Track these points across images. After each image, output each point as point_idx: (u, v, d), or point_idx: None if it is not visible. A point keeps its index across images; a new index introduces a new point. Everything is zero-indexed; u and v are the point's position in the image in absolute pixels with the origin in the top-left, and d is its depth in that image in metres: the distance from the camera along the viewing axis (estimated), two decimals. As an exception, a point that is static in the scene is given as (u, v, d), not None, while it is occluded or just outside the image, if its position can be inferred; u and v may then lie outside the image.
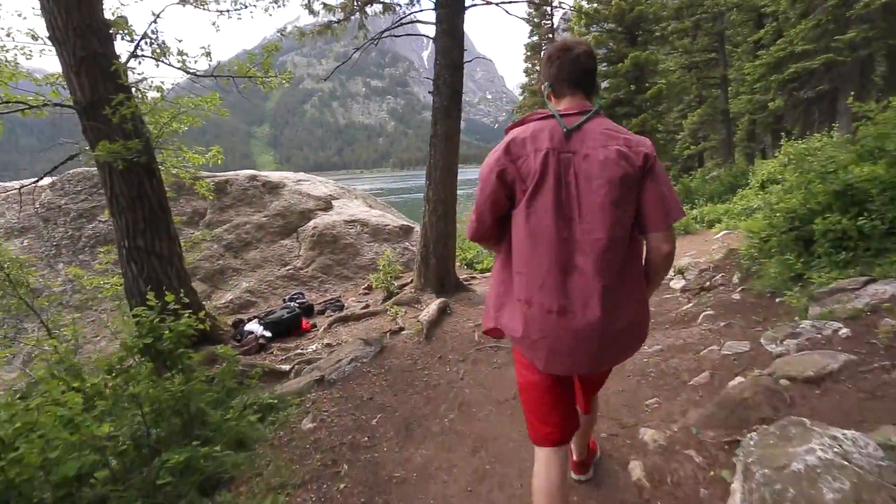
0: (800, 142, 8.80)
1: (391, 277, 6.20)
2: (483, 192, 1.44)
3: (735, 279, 4.69)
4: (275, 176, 8.44)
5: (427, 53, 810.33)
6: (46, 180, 7.00)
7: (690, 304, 4.57)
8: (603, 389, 2.21)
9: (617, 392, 2.98)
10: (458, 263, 8.65)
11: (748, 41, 17.94)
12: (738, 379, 2.60)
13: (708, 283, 5.00)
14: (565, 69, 1.44)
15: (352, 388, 3.67)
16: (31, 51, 4.53)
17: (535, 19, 20.59)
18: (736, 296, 4.21)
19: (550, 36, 20.89)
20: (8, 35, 4.51)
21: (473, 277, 7.41)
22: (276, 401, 3.45)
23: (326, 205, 8.17)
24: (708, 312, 4.03)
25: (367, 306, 5.76)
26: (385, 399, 3.48)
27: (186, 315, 3.09)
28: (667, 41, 17.39)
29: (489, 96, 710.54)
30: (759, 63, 14.93)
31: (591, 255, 1.32)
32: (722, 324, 3.64)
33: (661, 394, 2.85)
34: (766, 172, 9.86)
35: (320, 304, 6.17)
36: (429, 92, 5.77)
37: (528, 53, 21.38)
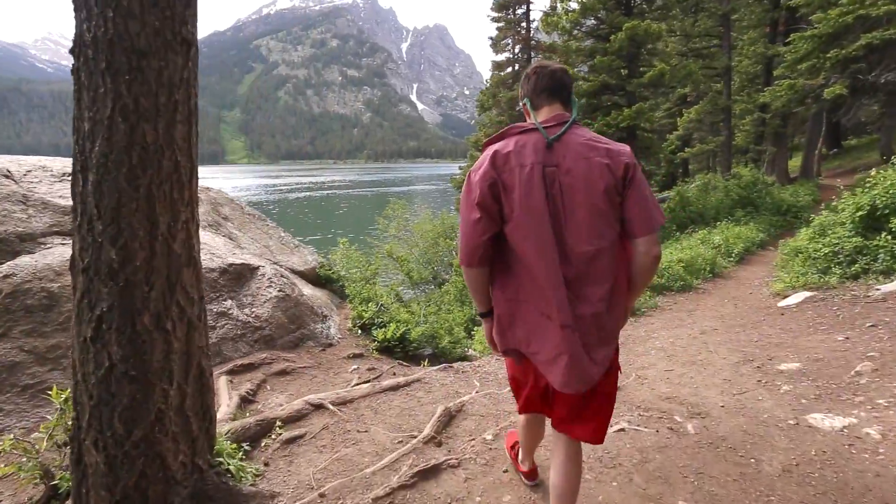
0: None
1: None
2: (475, 206, 1.38)
3: None
4: None
5: (406, 45, 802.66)
6: None
7: None
8: None
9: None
10: (349, 325, 5.07)
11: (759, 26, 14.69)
12: None
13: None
14: (543, 81, 1.49)
15: None
16: None
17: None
18: None
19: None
20: None
21: (374, 363, 3.90)
22: None
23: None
24: None
25: None
26: None
27: None
28: (666, 16, 14.11)
29: (467, 92, 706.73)
30: (809, 34, 11.16)
31: (582, 266, 1.35)
32: None
33: None
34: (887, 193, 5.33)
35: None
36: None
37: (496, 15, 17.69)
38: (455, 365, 3.90)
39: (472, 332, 8.88)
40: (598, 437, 1.52)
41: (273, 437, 2.67)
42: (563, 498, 1.58)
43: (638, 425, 2.50)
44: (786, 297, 4.68)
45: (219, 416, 2.81)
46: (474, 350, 6.03)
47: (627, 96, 13.52)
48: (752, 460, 2.15)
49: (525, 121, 1.50)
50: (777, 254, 7.27)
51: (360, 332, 5.01)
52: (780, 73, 12.99)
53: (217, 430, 2.50)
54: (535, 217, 1.34)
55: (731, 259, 7.17)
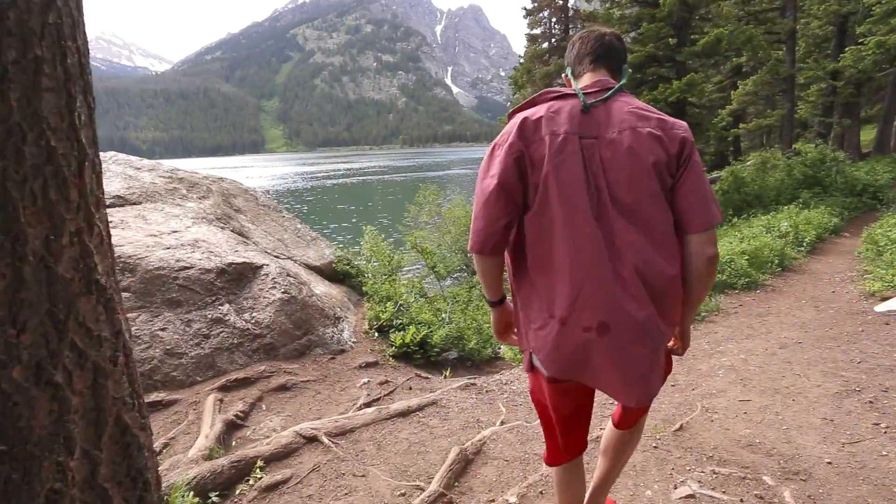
0: None
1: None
2: (495, 184, 1.13)
3: None
4: None
5: (440, 28, 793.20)
6: None
7: None
8: None
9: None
10: (366, 327, 4.63)
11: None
12: None
13: None
14: (587, 46, 1.28)
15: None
16: None
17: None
18: None
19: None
20: None
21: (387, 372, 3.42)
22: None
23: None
24: None
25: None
26: None
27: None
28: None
29: (503, 73, 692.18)
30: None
31: (629, 258, 1.10)
32: None
33: None
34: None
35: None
36: None
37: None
38: (479, 382, 3.34)
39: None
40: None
41: (251, 482, 2.21)
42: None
43: (713, 489, 1.87)
44: (885, 299, 3.82)
45: (191, 452, 2.37)
46: (504, 354, 5.46)
47: (676, 67, 12.33)
48: (892, 561, 1.50)
49: None
50: (860, 242, 6.26)
51: (376, 334, 4.54)
52: (865, 31, 11.36)
53: (180, 478, 2.05)
54: (565, 197, 1.11)
55: (802, 249, 6.22)
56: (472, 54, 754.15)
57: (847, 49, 12.10)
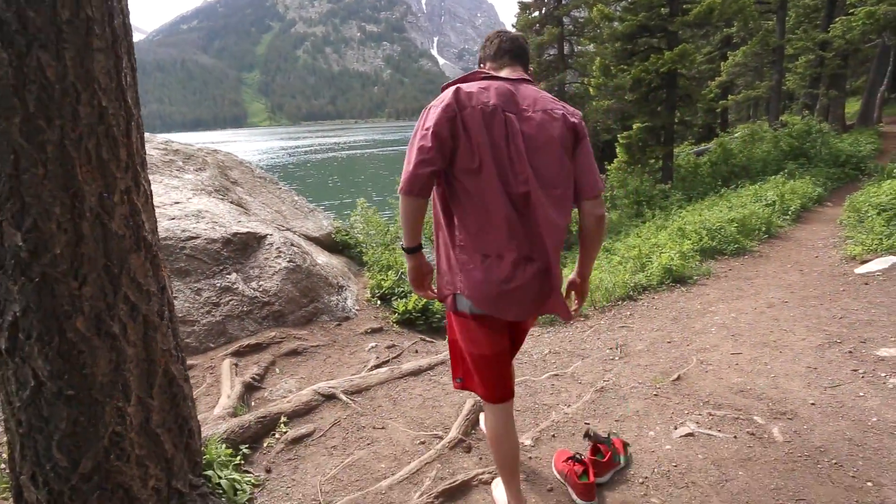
0: None
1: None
2: (431, 135, 1.30)
3: None
4: None
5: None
6: None
7: None
8: None
9: None
10: (367, 295, 4.73)
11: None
12: None
13: None
14: (506, 44, 1.53)
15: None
16: None
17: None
18: None
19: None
20: None
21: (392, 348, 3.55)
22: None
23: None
24: None
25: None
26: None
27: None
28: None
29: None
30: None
31: (540, 209, 1.36)
32: None
33: None
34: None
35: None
36: None
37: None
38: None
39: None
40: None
41: (277, 436, 2.33)
42: None
43: (709, 428, 2.04)
44: (865, 262, 4.03)
45: (216, 410, 2.48)
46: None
47: (668, 38, 12.27)
48: (870, 483, 1.68)
49: None
50: (842, 210, 6.49)
51: (379, 302, 4.65)
52: (856, 0, 11.38)
53: (212, 432, 2.17)
54: (492, 159, 1.33)
55: (788, 217, 6.43)
56: (459, 24, 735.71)
57: (837, 19, 12.16)
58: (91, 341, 1.31)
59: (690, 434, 1.99)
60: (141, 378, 1.47)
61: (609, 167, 15.88)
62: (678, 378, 2.50)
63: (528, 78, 1.48)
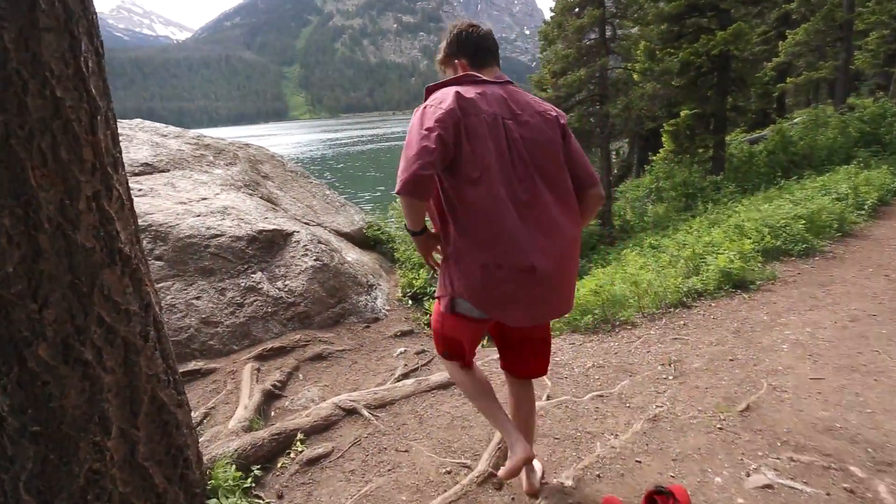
0: None
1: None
2: (435, 137, 1.24)
3: None
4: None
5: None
6: None
7: None
8: None
9: None
10: (399, 294, 4.55)
11: None
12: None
13: None
14: (483, 42, 1.50)
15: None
16: None
17: None
18: None
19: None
20: None
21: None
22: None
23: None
24: None
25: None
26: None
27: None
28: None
29: (527, 32, 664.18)
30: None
31: (546, 215, 1.36)
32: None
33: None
34: None
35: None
36: None
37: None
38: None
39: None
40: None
41: (292, 455, 2.15)
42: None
43: (792, 478, 1.69)
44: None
45: (231, 423, 2.33)
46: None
47: (720, 17, 11.41)
48: None
49: (448, 75, 1.50)
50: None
51: (410, 302, 4.44)
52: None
53: (222, 451, 2.00)
54: (495, 166, 1.32)
55: (863, 213, 5.75)
56: (496, 12, 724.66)
57: (857, 8, 10.92)
58: (57, 370, 1.13)
59: (769, 486, 1.64)
60: (123, 407, 1.28)
61: (654, 157, 15.07)
62: (747, 408, 2.14)
63: (510, 80, 1.46)
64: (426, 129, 1.25)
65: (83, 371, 1.17)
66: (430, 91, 1.39)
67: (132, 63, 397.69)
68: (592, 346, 3.18)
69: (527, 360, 1.65)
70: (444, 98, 1.30)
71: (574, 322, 3.65)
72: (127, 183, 1.27)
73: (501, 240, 1.32)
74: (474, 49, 1.48)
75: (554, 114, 1.45)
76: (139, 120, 5.43)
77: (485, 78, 1.41)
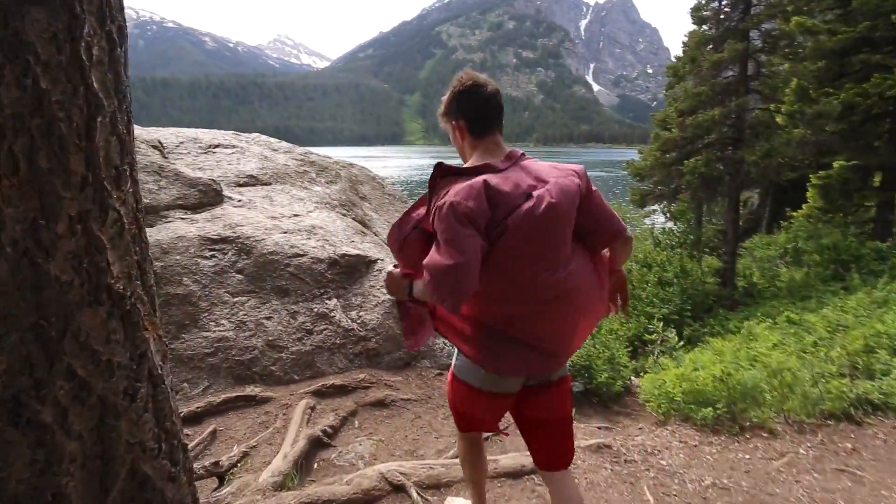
0: None
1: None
2: (479, 246, 1.18)
3: None
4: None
5: (585, 22, 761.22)
6: None
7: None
8: None
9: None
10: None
11: None
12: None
13: None
14: (487, 106, 1.37)
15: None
16: None
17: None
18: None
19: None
20: None
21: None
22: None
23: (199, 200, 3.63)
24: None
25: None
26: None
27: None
28: None
29: (650, 70, 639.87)
30: None
31: (581, 295, 1.30)
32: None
33: None
34: None
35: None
36: None
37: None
38: (615, 443, 2.56)
39: (638, 353, 7.16)
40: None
41: (320, 535, 1.79)
42: None
43: None
44: None
45: (264, 475, 2.05)
46: (641, 385, 4.51)
47: (902, 54, 9.62)
48: None
49: (449, 135, 1.46)
50: None
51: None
52: None
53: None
54: (537, 252, 1.25)
55: None
56: (618, 50, 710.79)
57: None
58: (1, 434, 0.88)
59: None
60: (88, 483, 1.01)
61: (793, 213, 13.05)
62: None
63: (521, 153, 1.36)
64: (470, 236, 1.16)
65: (37, 436, 0.91)
66: (440, 170, 1.30)
67: (278, 87, 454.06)
68: (713, 452, 2.46)
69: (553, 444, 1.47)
70: (476, 195, 1.19)
71: (686, 411, 2.94)
72: (137, 203, 1.03)
73: (538, 319, 1.27)
74: (474, 113, 1.36)
75: (570, 179, 1.30)
76: (256, 134, 5.75)
77: (498, 164, 1.29)
